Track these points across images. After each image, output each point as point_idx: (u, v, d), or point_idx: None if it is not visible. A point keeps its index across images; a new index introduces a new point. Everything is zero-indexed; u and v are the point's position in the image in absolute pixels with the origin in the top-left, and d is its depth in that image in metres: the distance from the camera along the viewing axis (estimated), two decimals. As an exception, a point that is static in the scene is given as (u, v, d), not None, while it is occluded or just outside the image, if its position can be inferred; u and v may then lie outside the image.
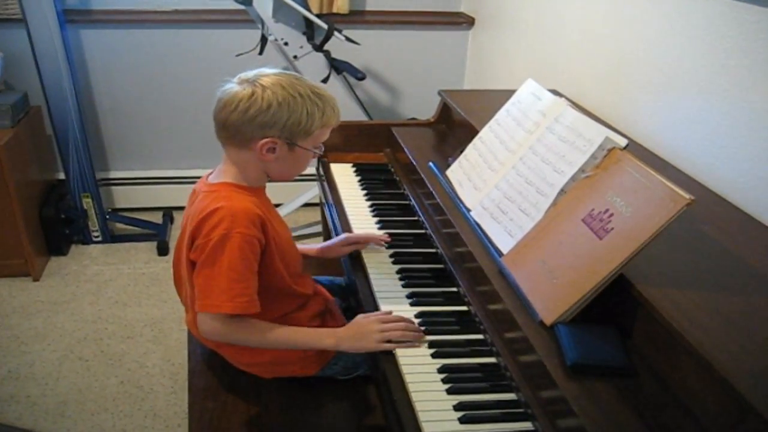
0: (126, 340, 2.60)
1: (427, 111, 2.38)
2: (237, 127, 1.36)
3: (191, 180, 3.35)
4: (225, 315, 1.34)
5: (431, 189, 1.74)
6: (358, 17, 3.25)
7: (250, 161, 1.41)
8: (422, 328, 1.38)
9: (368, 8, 3.32)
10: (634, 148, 1.66)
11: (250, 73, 1.39)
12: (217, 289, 1.33)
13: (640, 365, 1.12)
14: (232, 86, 1.37)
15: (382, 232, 1.76)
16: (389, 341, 1.34)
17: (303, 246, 1.72)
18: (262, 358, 1.52)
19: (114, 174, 3.44)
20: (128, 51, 3.16)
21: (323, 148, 1.49)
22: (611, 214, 1.19)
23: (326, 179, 2.09)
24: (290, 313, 1.53)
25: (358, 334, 1.38)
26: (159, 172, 3.47)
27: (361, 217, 1.85)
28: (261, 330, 1.39)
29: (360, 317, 1.42)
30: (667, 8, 1.78)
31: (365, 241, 1.70)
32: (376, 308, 1.47)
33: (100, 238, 3.24)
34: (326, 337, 1.41)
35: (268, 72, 1.39)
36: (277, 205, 1.64)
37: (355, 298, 1.57)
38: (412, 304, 1.47)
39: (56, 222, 3.08)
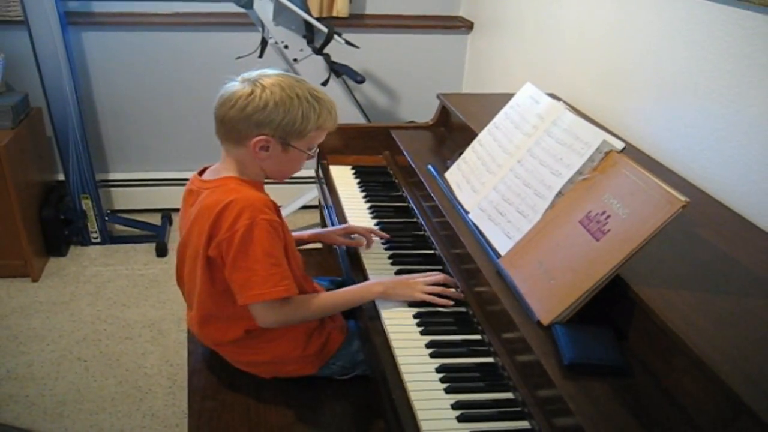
0: (124, 340, 2.60)
1: (426, 114, 2.39)
2: (233, 123, 1.39)
3: (190, 182, 3.36)
4: (274, 301, 1.37)
5: (430, 191, 1.76)
6: (357, 21, 3.27)
7: (246, 158, 1.44)
8: (420, 328, 1.40)
9: (368, 12, 3.34)
10: (630, 151, 1.67)
11: (252, 73, 1.42)
12: (259, 278, 1.35)
13: (636, 365, 1.13)
14: (234, 84, 1.40)
15: (381, 233, 1.77)
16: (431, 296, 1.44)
17: (296, 233, 1.74)
18: (262, 357, 1.53)
19: (113, 175, 3.45)
20: (129, 53, 3.17)
21: (317, 150, 1.51)
22: (608, 216, 1.20)
23: (325, 181, 2.10)
24: None
25: (405, 283, 1.46)
26: (158, 174, 3.48)
27: (360, 218, 1.86)
28: (312, 303, 1.45)
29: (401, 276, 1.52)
30: (664, 13, 1.80)
31: (364, 233, 1.72)
32: (375, 309, 1.47)
33: (99, 240, 3.25)
34: (373, 286, 1.48)
35: (270, 73, 1.42)
36: (277, 207, 1.66)
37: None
38: (410, 305, 1.48)
39: (55, 223, 3.08)
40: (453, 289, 1.47)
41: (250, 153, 1.41)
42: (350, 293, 1.48)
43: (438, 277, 1.49)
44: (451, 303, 1.45)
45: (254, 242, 1.33)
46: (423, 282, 1.46)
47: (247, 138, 1.39)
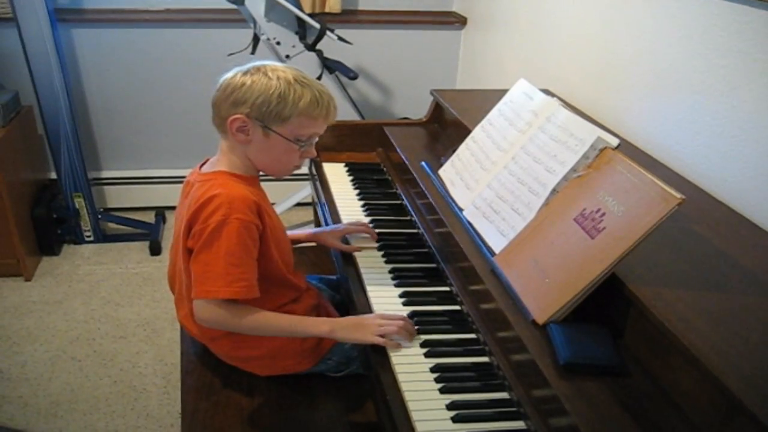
0: (118, 339, 2.59)
1: (420, 111, 2.38)
2: (217, 106, 1.40)
3: (183, 180, 3.35)
4: (222, 300, 1.34)
5: (423, 188, 1.75)
6: (350, 17, 3.25)
7: (233, 146, 1.43)
8: (415, 327, 1.38)
9: (360, 8, 3.33)
10: (625, 147, 1.67)
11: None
12: (214, 274, 1.33)
13: (632, 364, 1.12)
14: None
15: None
16: (383, 336, 1.33)
17: (293, 232, 1.73)
18: (258, 352, 1.52)
19: (106, 173, 3.44)
20: (120, 50, 3.15)
21: (312, 144, 1.46)
22: (603, 214, 1.19)
23: (319, 178, 2.09)
24: (286, 305, 1.52)
25: (356, 325, 1.38)
26: (151, 172, 3.47)
27: (353, 216, 1.85)
28: (257, 317, 1.38)
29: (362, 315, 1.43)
30: (658, 8, 1.79)
31: (362, 230, 1.71)
32: (368, 307, 1.47)
33: (92, 238, 3.23)
34: (322, 324, 1.41)
35: (264, 62, 1.41)
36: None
37: (348, 297, 1.58)
38: (404, 304, 1.47)
39: (48, 222, 3.07)
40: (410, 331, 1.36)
41: (233, 139, 1.41)
42: (298, 323, 1.43)
43: (398, 321, 1.36)
44: (401, 347, 1.33)
45: (221, 239, 1.32)
46: (377, 323, 1.35)
47: (226, 120, 1.39)
